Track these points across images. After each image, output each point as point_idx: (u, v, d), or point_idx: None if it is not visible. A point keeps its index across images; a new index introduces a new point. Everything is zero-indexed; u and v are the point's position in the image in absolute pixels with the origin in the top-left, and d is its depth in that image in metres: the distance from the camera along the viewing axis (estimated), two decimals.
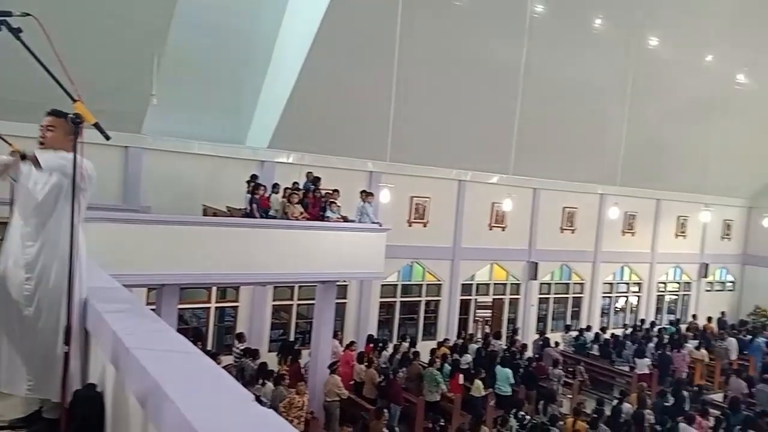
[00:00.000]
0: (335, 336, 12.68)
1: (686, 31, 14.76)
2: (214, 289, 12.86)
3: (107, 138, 2.74)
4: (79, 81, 2.69)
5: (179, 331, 4.19)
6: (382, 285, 15.29)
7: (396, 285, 15.78)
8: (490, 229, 16.97)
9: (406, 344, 13.72)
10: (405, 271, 15.90)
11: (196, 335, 12.37)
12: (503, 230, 17.12)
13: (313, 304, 12.39)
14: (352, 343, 12.89)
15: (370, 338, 13.90)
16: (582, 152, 16.91)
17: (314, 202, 11.30)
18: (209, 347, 12.29)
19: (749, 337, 17.77)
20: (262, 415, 1.77)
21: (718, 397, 14.22)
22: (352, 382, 11.86)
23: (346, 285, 14.58)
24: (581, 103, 15.33)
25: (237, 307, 13.43)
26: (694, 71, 15.77)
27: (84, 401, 2.63)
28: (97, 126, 2.71)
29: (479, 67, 13.36)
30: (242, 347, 12.02)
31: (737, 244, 22.59)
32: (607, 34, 13.88)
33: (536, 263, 17.68)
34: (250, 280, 10.66)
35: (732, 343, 16.89)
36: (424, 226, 15.80)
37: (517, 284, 17.80)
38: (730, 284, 22.80)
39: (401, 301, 15.94)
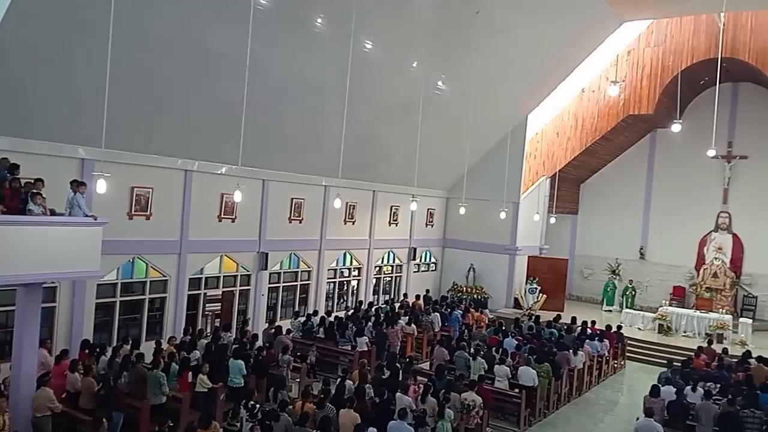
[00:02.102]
0: (43, 345, 11.24)
1: (396, 38, 16.29)
2: None
3: None
4: None
5: None
6: (99, 284, 13.99)
7: (116, 284, 14.56)
8: (220, 221, 16.69)
9: (127, 347, 12.77)
10: (126, 267, 14.77)
11: None
12: (233, 222, 16.98)
13: (13, 310, 10.78)
14: (64, 352, 11.58)
15: (85, 344, 12.61)
16: (307, 145, 17.62)
17: (12, 194, 9.75)
18: None
19: (449, 310, 20.50)
20: None
21: (425, 365, 16.13)
22: (64, 395, 10.68)
23: (54, 287, 13.03)
24: (305, 97, 15.94)
25: None
26: (402, 75, 17.51)
27: None
28: None
29: (204, 53, 12.98)
30: None
31: (438, 229, 25.83)
32: (327, 34, 14.62)
33: (266, 253, 17.93)
34: None
35: (436, 317, 19.28)
36: (148, 218, 14.85)
37: (248, 275, 17.83)
38: (433, 265, 25.97)
39: (122, 301, 14.77)
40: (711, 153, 18.69)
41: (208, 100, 14.04)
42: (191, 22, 12.25)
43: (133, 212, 14.53)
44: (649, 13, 21.11)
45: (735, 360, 15.92)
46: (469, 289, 24.50)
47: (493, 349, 15.57)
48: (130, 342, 13.09)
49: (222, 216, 16.68)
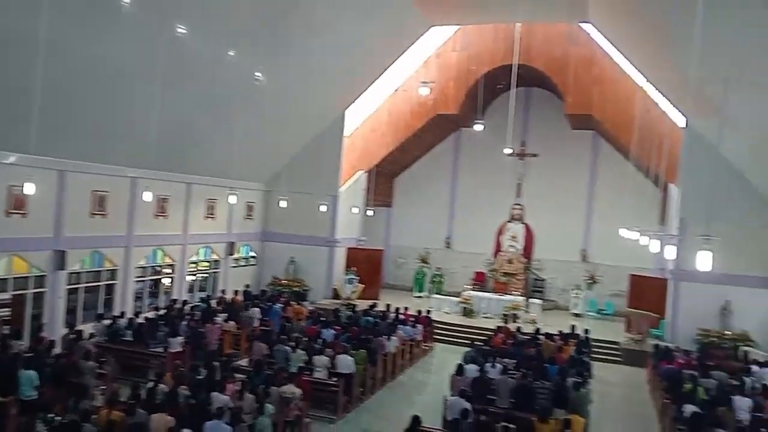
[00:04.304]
0: None
1: (212, 25, 15.71)
2: None
3: None
4: None
5: None
6: None
7: None
8: (8, 216, 14.85)
9: None
10: None
11: None
12: (24, 217, 15.21)
13: None
14: None
15: None
16: (113, 134, 16.35)
17: None
18: None
19: (269, 304, 20.34)
20: None
21: (244, 362, 15.83)
22: None
23: None
24: (111, 82, 14.75)
25: None
26: (219, 63, 16.94)
27: None
28: None
29: None
30: None
31: (258, 223, 25.49)
32: (136, 16, 13.64)
33: (64, 252, 16.31)
34: None
35: (255, 311, 19.02)
36: None
37: (42, 276, 16.10)
38: (253, 259, 25.60)
39: None
40: (507, 151, 20.66)
41: None
42: None
43: None
44: (455, 20, 22.71)
45: (527, 337, 17.81)
46: (289, 283, 24.54)
47: (313, 340, 15.76)
48: None
49: (11, 211, 14.86)
